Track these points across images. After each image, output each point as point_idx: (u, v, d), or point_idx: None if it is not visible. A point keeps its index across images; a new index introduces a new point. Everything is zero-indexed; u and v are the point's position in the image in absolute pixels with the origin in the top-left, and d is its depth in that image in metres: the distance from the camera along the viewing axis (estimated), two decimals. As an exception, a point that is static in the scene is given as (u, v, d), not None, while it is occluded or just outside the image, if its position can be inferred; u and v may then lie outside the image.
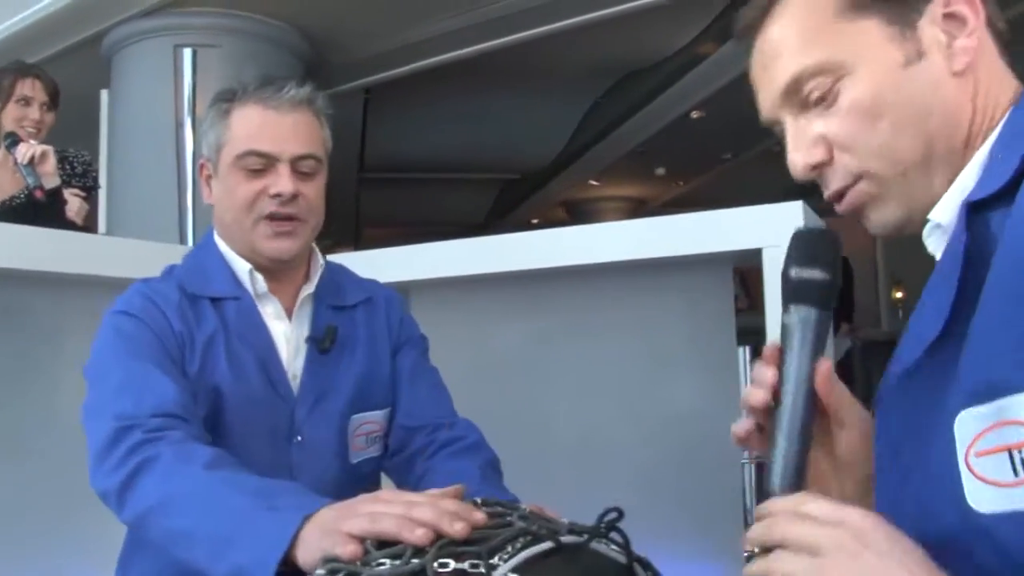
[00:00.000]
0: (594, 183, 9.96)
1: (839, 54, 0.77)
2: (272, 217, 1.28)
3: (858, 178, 0.79)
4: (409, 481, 1.36)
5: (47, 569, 2.41)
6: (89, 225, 3.21)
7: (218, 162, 1.30)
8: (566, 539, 0.83)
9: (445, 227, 11.15)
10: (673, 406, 2.62)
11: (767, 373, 0.81)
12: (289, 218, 1.28)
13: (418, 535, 0.80)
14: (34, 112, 2.65)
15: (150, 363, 1.19)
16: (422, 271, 2.14)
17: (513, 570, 0.80)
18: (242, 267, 1.32)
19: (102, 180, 4.64)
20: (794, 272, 0.82)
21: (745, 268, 1.95)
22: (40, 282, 1.95)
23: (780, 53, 0.81)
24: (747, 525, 0.87)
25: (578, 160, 8.48)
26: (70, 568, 2.11)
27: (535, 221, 11.28)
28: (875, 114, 0.76)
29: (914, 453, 0.71)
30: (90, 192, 3.06)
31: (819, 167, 0.81)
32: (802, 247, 0.83)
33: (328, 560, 0.84)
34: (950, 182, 0.76)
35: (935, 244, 0.78)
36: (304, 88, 1.31)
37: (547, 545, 0.82)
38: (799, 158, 0.81)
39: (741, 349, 1.93)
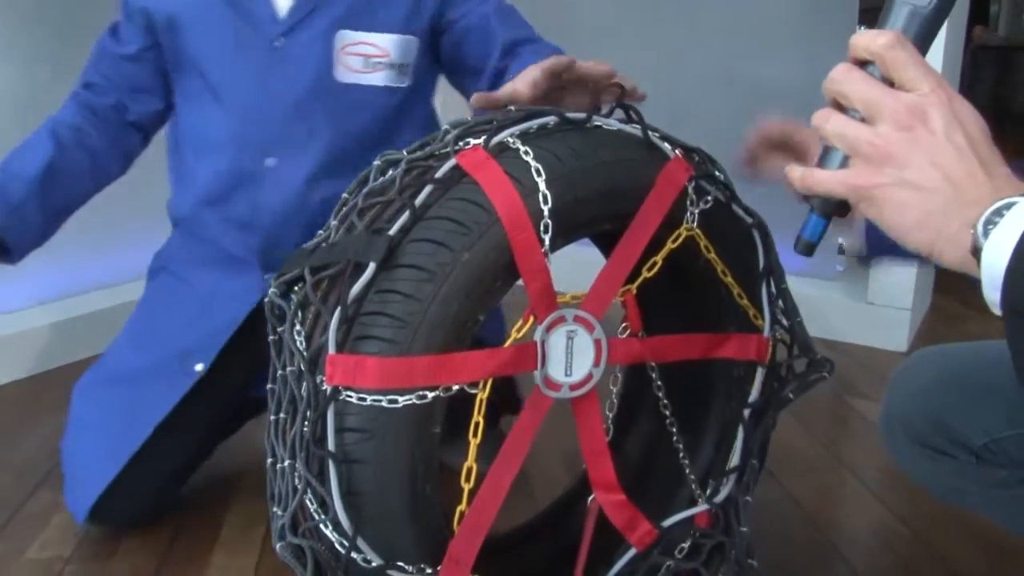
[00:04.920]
0: None
1: None
2: None
3: None
4: (488, 78, 1.30)
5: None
6: None
7: None
8: (572, 115, 0.86)
9: None
10: (776, 80, 2.43)
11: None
12: None
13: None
14: None
15: None
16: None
17: (514, 136, 0.83)
18: None
19: None
20: None
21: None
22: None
23: None
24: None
25: None
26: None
27: None
28: None
29: None
30: None
31: None
32: None
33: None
34: None
35: None
36: None
37: (550, 119, 0.85)
38: None
39: (860, 28, 1.75)
